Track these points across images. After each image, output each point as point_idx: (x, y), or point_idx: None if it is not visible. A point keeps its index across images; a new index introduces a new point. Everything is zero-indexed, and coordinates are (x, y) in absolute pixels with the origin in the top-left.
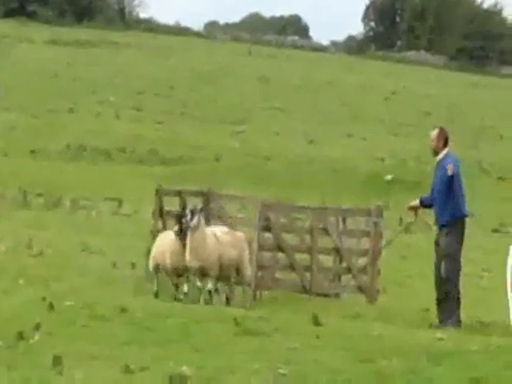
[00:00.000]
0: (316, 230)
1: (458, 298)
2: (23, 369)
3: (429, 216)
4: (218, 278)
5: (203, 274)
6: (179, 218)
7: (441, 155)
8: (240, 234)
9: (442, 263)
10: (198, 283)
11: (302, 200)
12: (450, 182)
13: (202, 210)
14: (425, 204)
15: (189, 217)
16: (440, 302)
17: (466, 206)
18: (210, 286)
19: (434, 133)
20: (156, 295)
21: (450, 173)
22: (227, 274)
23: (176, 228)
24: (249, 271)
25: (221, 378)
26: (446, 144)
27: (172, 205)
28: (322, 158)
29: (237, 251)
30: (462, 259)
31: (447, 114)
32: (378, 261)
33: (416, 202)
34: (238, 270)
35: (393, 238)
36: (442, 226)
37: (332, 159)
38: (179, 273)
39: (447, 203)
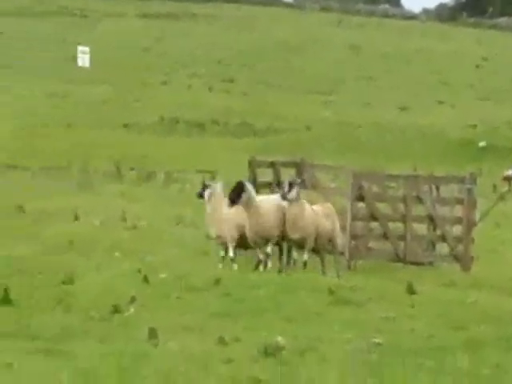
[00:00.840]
0: (409, 198)
1: None
2: (118, 341)
3: None
4: (313, 249)
5: (300, 245)
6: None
7: None
8: (330, 205)
9: None
10: (295, 254)
11: (393, 168)
12: None
13: (300, 182)
14: None
15: (286, 189)
16: None
17: None
18: (305, 256)
19: None
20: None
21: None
22: (322, 244)
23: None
24: (340, 240)
25: (314, 348)
26: None
27: (265, 176)
28: (414, 125)
29: (330, 222)
30: None
31: None
32: (473, 229)
33: (510, 172)
34: (331, 240)
35: (489, 210)
36: None
37: (423, 127)
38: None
39: None
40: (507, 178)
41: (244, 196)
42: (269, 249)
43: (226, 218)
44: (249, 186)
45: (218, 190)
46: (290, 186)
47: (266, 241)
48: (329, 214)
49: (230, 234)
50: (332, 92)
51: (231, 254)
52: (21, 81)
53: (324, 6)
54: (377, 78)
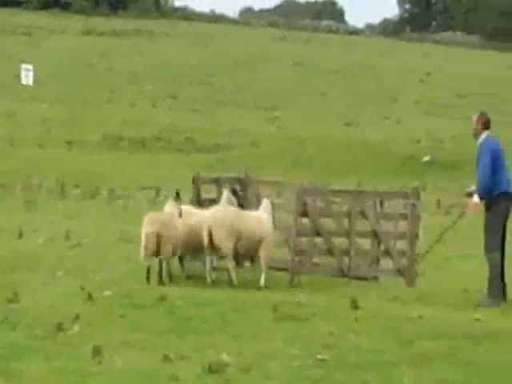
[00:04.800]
0: (354, 213)
1: (500, 277)
2: (62, 359)
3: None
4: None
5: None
6: None
7: (480, 139)
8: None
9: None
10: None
11: (339, 183)
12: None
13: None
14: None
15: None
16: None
17: (508, 184)
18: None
19: (474, 117)
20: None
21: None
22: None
23: None
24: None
25: (260, 365)
26: (486, 127)
27: (210, 192)
28: (359, 141)
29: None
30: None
31: (483, 94)
32: (417, 244)
33: (473, 188)
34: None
35: (451, 226)
36: (485, 204)
37: (369, 142)
38: None
39: (489, 183)
40: (469, 195)
41: None
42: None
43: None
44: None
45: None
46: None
47: None
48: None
49: None
50: (278, 108)
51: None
52: None
53: (270, 22)
54: (322, 93)
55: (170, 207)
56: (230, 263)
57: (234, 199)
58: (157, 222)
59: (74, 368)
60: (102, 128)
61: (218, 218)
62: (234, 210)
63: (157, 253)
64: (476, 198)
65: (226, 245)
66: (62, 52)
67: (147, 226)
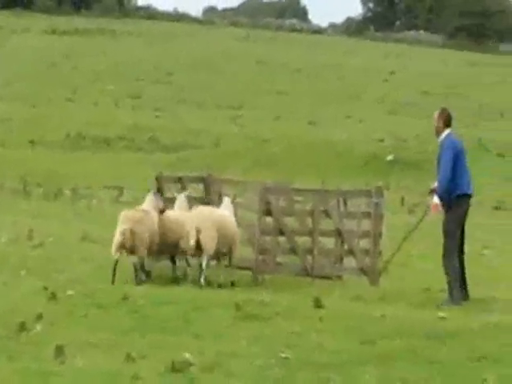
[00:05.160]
0: (317, 212)
1: (460, 276)
2: (25, 359)
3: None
4: None
5: None
6: None
7: (442, 136)
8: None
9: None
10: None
11: (303, 182)
12: (451, 164)
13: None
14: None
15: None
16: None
17: (468, 185)
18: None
19: (435, 114)
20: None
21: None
22: None
23: None
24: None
25: (222, 363)
26: (447, 125)
27: (172, 191)
28: (322, 140)
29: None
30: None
31: (446, 93)
32: (379, 243)
33: (436, 185)
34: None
35: (416, 225)
36: (445, 204)
37: (332, 141)
38: None
39: (449, 182)
40: (433, 191)
41: None
42: None
43: None
44: None
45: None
46: None
47: None
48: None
49: None
50: (241, 107)
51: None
52: None
53: (233, 21)
54: (285, 92)
55: (148, 203)
56: (207, 263)
57: (185, 202)
58: (130, 220)
59: (37, 368)
60: (65, 127)
61: (205, 218)
62: (214, 209)
63: (131, 251)
64: (436, 199)
65: (212, 245)
66: (25, 51)
67: (122, 224)
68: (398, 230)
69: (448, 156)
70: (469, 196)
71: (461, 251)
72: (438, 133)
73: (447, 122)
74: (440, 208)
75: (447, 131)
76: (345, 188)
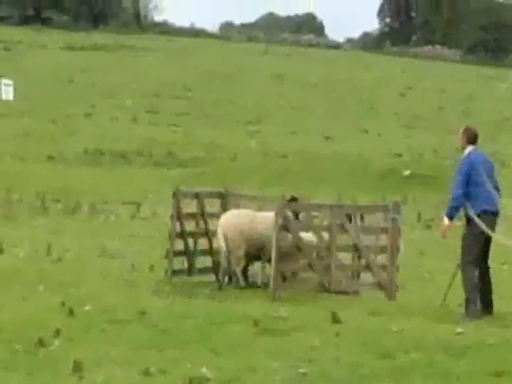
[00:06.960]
0: (334, 227)
1: (480, 288)
2: (43, 375)
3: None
4: None
5: None
6: None
7: (464, 153)
8: None
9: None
10: None
11: (319, 197)
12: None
13: None
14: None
15: None
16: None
17: (487, 201)
18: None
19: (460, 131)
20: None
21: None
22: None
23: None
24: None
25: (241, 379)
26: (470, 142)
27: (190, 207)
28: (339, 154)
29: None
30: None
31: (464, 108)
32: (397, 257)
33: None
34: None
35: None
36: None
37: (349, 155)
38: None
39: (462, 198)
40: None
41: None
42: None
43: None
44: None
45: None
46: None
47: None
48: None
49: None
50: (258, 122)
51: None
52: None
53: (250, 37)
54: (302, 107)
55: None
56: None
57: None
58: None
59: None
60: (82, 143)
61: (232, 223)
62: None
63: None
64: (445, 221)
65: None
66: (42, 67)
67: None
68: (414, 246)
69: (460, 176)
70: (490, 213)
71: (485, 263)
72: (462, 149)
73: (470, 140)
74: (449, 230)
75: (470, 148)
76: (361, 203)
